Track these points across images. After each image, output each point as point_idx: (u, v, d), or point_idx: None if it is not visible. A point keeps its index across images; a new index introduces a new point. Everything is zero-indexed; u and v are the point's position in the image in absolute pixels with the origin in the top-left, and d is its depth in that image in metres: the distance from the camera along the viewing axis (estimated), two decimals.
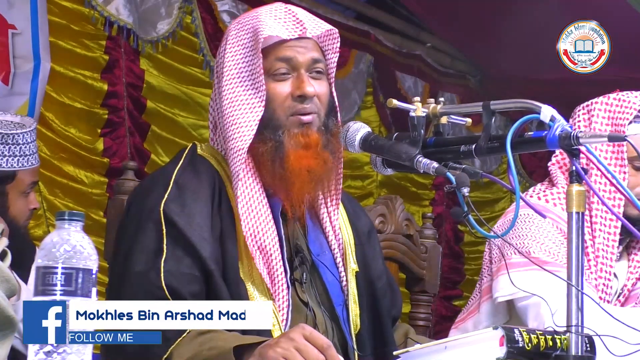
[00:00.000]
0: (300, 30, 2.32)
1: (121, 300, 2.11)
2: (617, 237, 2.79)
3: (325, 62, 2.37)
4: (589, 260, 2.75)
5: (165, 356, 2.07)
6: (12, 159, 3.61)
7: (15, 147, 3.60)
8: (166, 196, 2.24)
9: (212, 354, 2.04)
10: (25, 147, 3.64)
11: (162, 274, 2.16)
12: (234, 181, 2.27)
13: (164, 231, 2.21)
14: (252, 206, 2.27)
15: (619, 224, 2.77)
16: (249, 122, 2.27)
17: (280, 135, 2.28)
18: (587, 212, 2.71)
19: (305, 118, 2.30)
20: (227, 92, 2.31)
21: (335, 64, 2.40)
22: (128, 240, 2.25)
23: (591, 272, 2.76)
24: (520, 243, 2.71)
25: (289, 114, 2.30)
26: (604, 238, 2.76)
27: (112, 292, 2.25)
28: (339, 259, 2.40)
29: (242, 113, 2.28)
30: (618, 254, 2.84)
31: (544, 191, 2.89)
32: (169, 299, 2.13)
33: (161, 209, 2.23)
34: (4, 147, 3.58)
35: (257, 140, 2.28)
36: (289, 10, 2.35)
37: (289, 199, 2.30)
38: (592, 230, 2.76)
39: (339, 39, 2.39)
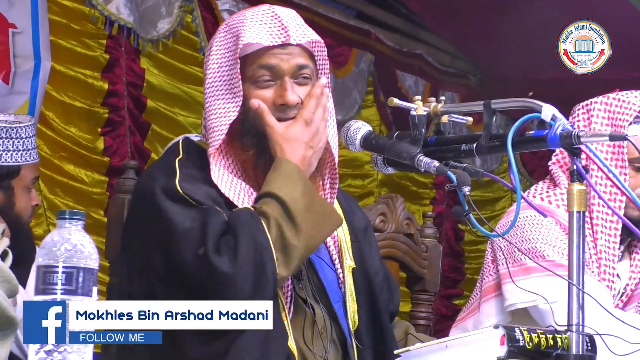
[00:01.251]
0: (284, 37, 2.27)
1: (173, 258, 2.13)
2: (619, 239, 2.78)
3: (313, 67, 2.33)
4: (592, 262, 2.74)
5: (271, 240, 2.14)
6: (16, 154, 3.62)
7: (18, 141, 3.61)
8: (177, 178, 2.22)
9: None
10: (28, 141, 3.66)
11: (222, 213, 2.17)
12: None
13: (192, 202, 2.19)
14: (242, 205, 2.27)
15: (620, 225, 2.76)
16: (220, 126, 2.27)
17: (263, 142, 2.27)
18: (587, 214, 2.70)
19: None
20: (207, 96, 2.30)
21: (328, 71, 2.38)
22: (154, 215, 2.19)
23: (594, 274, 2.75)
24: (531, 247, 2.69)
25: None
26: (605, 240, 2.76)
27: (155, 259, 2.19)
28: (335, 256, 2.40)
29: (216, 117, 2.28)
30: (620, 254, 2.83)
31: (547, 191, 2.87)
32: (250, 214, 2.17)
33: (178, 187, 2.20)
34: (8, 141, 3.58)
35: (240, 146, 2.27)
36: (275, 14, 2.30)
37: None
38: (593, 232, 2.75)
39: (326, 50, 2.36)
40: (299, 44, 2.29)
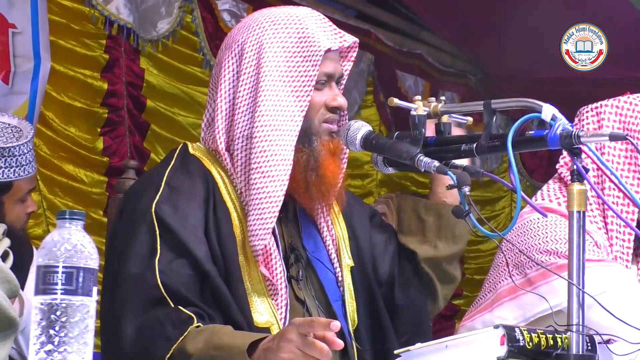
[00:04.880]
0: (341, 42, 2.35)
1: (115, 301, 2.13)
2: (632, 244, 2.74)
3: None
4: None
5: (167, 356, 2.06)
6: (9, 170, 3.58)
7: (12, 159, 3.57)
8: (157, 198, 2.23)
9: (221, 354, 2.03)
10: (22, 157, 3.61)
11: (157, 273, 2.15)
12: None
13: (157, 233, 2.20)
14: None
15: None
16: (290, 130, 2.26)
17: (314, 142, 2.31)
18: (602, 219, 2.70)
19: (334, 127, 2.34)
20: (267, 94, 2.27)
21: (349, 72, 2.43)
22: (121, 243, 2.24)
23: None
24: (558, 247, 2.65)
25: (321, 122, 2.32)
26: (620, 246, 2.72)
27: (105, 295, 2.24)
28: (333, 255, 2.40)
29: (284, 119, 2.26)
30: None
31: (561, 192, 2.83)
32: (165, 298, 2.12)
33: (153, 210, 2.21)
34: (0, 160, 3.55)
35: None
36: (323, 18, 2.37)
37: (317, 202, 2.35)
38: (608, 238, 2.72)
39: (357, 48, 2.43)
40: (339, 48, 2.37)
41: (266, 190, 2.24)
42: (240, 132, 2.29)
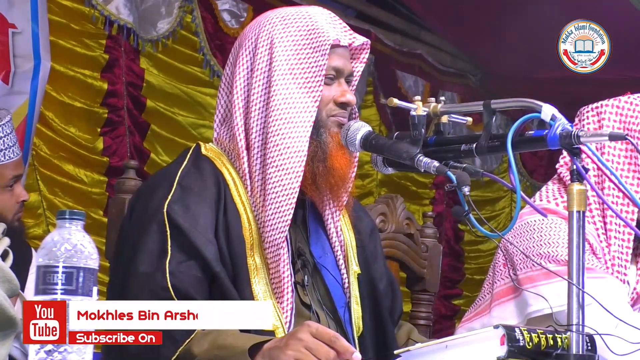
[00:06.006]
0: (350, 39, 2.36)
1: (123, 298, 2.13)
2: (631, 244, 2.74)
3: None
4: (606, 268, 2.70)
5: (174, 357, 2.06)
6: None
7: None
8: (170, 197, 2.23)
9: (224, 354, 2.03)
10: (7, 138, 3.56)
11: (167, 275, 2.15)
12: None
13: (168, 233, 2.20)
14: None
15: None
16: (304, 122, 2.27)
17: (322, 134, 2.30)
18: (601, 219, 2.70)
19: (344, 120, 2.34)
20: (279, 88, 2.28)
21: (360, 73, 2.43)
22: (132, 241, 2.24)
23: None
24: (551, 251, 2.65)
25: (330, 116, 2.32)
26: (619, 245, 2.72)
27: (114, 292, 2.24)
28: (341, 261, 2.40)
29: (297, 112, 2.27)
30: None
31: (560, 192, 2.82)
32: (174, 300, 2.12)
33: (165, 210, 2.21)
34: None
35: None
36: (334, 16, 2.39)
37: (325, 196, 2.33)
38: (607, 238, 2.72)
39: (369, 50, 2.44)
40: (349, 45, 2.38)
41: (281, 183, 2.25)
42: (256, 129, 2.30)
